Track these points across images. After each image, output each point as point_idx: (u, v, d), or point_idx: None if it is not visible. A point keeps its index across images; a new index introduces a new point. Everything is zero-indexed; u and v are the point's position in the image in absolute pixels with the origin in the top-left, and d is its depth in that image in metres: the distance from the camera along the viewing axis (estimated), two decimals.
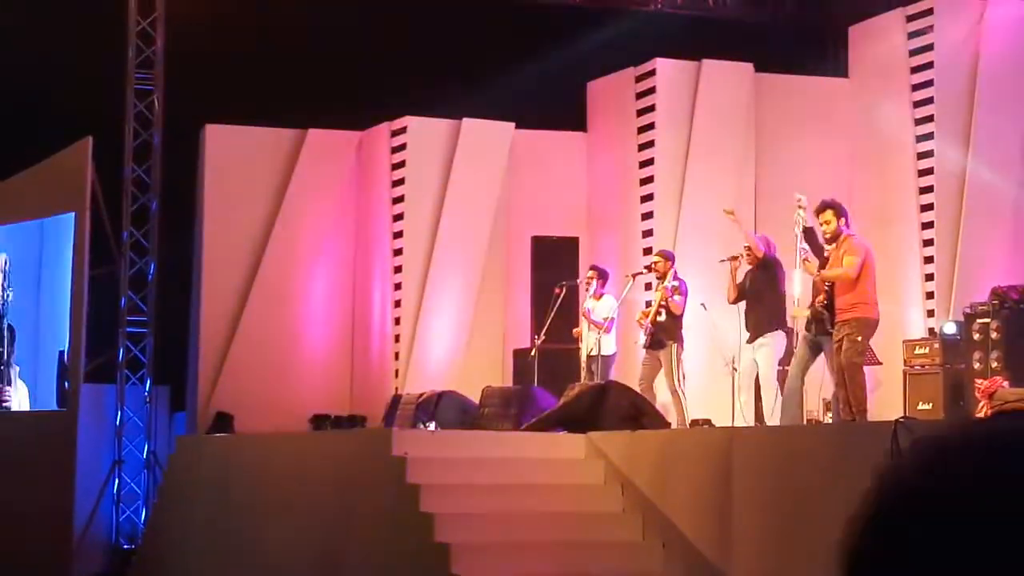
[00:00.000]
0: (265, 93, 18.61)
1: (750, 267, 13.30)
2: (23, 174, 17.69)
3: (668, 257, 14.51)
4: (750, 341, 12.94)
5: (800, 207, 12.50)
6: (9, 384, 17.28)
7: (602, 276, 15.44)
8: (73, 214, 17.19)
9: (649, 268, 14.76)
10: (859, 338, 11.69)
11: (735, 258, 13.30)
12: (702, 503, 9.72)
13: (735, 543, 9.29)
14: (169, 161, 18.01)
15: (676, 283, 14.15)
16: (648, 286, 15.87)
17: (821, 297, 12.04)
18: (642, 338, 14.28)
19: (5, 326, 17.54)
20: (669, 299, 13.98)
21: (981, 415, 11.21)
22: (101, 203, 17.56)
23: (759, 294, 12.95)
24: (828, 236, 12.12)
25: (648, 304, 14.85)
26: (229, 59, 18.20)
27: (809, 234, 12.49)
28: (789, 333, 13.09)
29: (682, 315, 14.15)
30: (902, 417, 8.56)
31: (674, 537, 9.92)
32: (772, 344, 12.83)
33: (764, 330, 12.83)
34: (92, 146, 17.08)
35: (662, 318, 13.99)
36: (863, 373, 11.85)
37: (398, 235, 18.20)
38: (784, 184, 16.88)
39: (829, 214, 12.08)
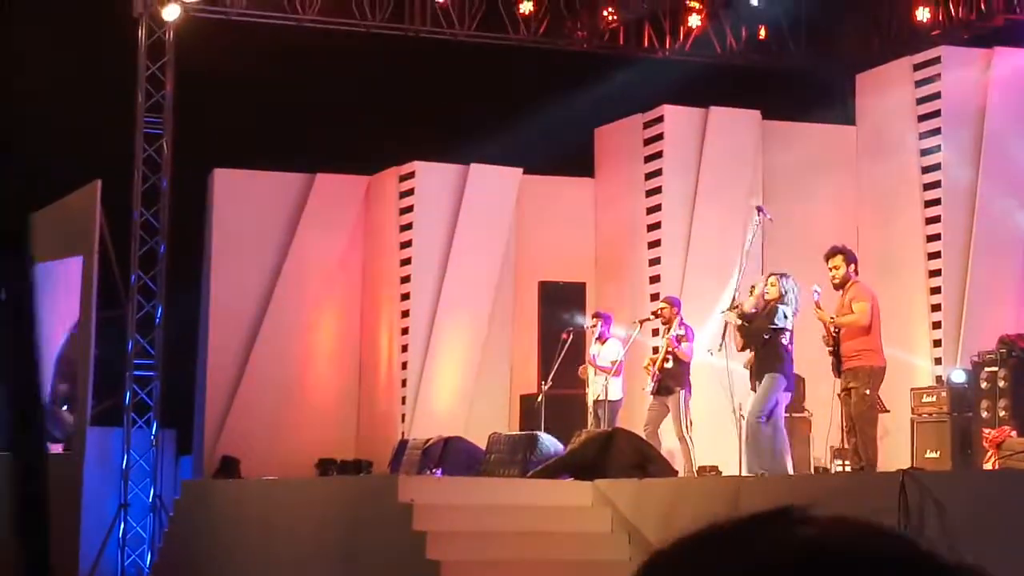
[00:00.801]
0: (274, 138, 18.68)
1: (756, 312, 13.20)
2: (31, 216, 17.70)
3: (674, 303, 14.50)
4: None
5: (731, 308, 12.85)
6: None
7: (606, 321, 15.47)
8: (81, 257, 17.24)
9: (655, 314, 14.75)
10: (867, 391, 11.70)
11: (738, 306, 13.26)
12: None
13: None
14: (177, 205, 18.05)
15: (682, 331, 14.12)
16: (655, 332, 15.86)
17: (827, 338, 12.04)
18: (649, 384, 14.25)
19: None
20: (676, 348, 13.95)
21: (989, 465, 11.19)
22: (109, 246, 17.61)
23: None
24: (837, 282, 12.14)
25: (655, 350, 14.83)
26: (238, 104, 18.28)
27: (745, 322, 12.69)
28: (793, 380, 13.08)
29: (690, 362, 14.12)
30: (909, 468, 8.54)
31: None
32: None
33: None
34: (100, 190, 17.15)
35: (669, 364, 13.97)
36: (874, 427, 11.85)
37: (405, 280, 18.21)
38: (792, 231, 16.94)
39: (839, 259, 12.13)
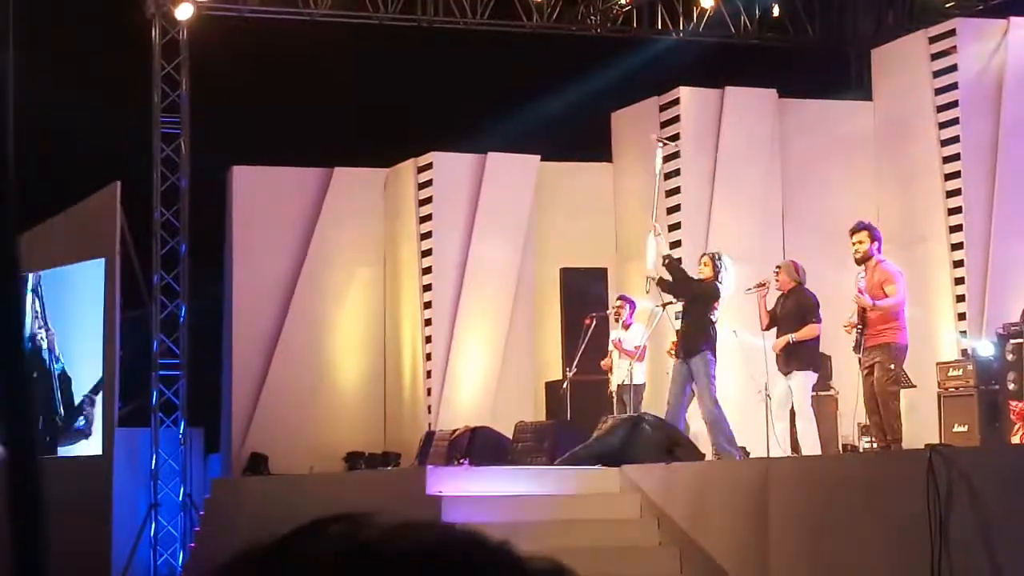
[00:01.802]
0: (290, 134, 18.70)
1: (781, 293, 13.30)
2: (52, 220, 17.79)
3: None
4: (783, 372, 12.92)
5: (656, 234, 13.20)
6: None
7: (630, 306, 15.47)
8: (104, 259, 17.29)
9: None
10: (891, 366, 11.71)
11: (762, 285, 13.30)
12: (739, 534, 9.69)
13: (773, 574, 9.25)
14: (197, 204, 18.09)
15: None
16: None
17: (853, 319, 12.07)
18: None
19: (56, 371, 17.67)
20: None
21: (1017, 438, 11.16)
22: (131, 247, 17.66)
23: (790, 324, 12.91)
24: (858, 257, 12.18)
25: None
26: (254, 101, 18.30)
27: (671, 265, 12.87)
28: (823, 362, 13.18)
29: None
30: (936, 444, 8.52)
31: (712, 570, 9.88)
32: (803, 379, 12.81)
33: (794, 364, 12.80)
34: (120, 191, 17.19)
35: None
36: (897, 400, 11.86)
37: (427, 271, 18.22)
38: (812, 208, 16.91)
39: (864, 235, 12.18)
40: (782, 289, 13.27)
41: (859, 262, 12.20)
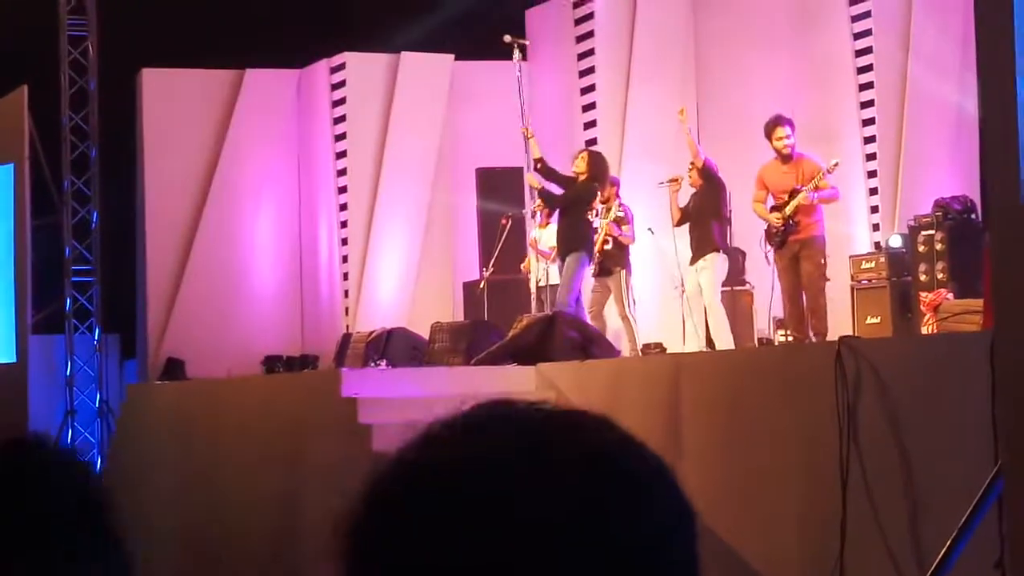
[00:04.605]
0: (201, 35, 18.39)
1: (694, 189, 13.37)
2: None
3: (612, 183, 14.46)
4: (692, 263, 13.04)
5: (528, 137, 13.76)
6: None
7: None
8: (11, 165, 17.03)
9: None
10: (821, 260, 11.92)
11: (675, 180, 13.36)
12: (652, 430, 9.73)
13: (686, 467, 9.32)
14: (106, 107, 17.81)
15: (621, 212, 14.10)
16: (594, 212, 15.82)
17: (779, 215, 12.17)
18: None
19: None
20: (618, 234, 13.92)
21: (927, 329, 11.28)
22: (40, 152, 17.40)
23: (701, 216, 13.01)
24: (787, 153, 12.28)
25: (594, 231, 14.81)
26: (163, 2, 17.97)
27: (543, 168, 12.92)
28: (732, 253, 13.27)
29: (631, 244, 14.14)
30: (845, 336, 8.57)
31: None
32: (712, 266, 12.94)
33: (705, 252, 12.92)
34: (27, 95, 16.90)
35: (609, 246, 13.95)
36: (824, 294, 12.07)
37: (342, 172, 18.08)
38: (727, 102, 16.86)
39: (788, 129, 12.28)
40: (694, 185, 13.33)
41: (786, 159, 12.30)
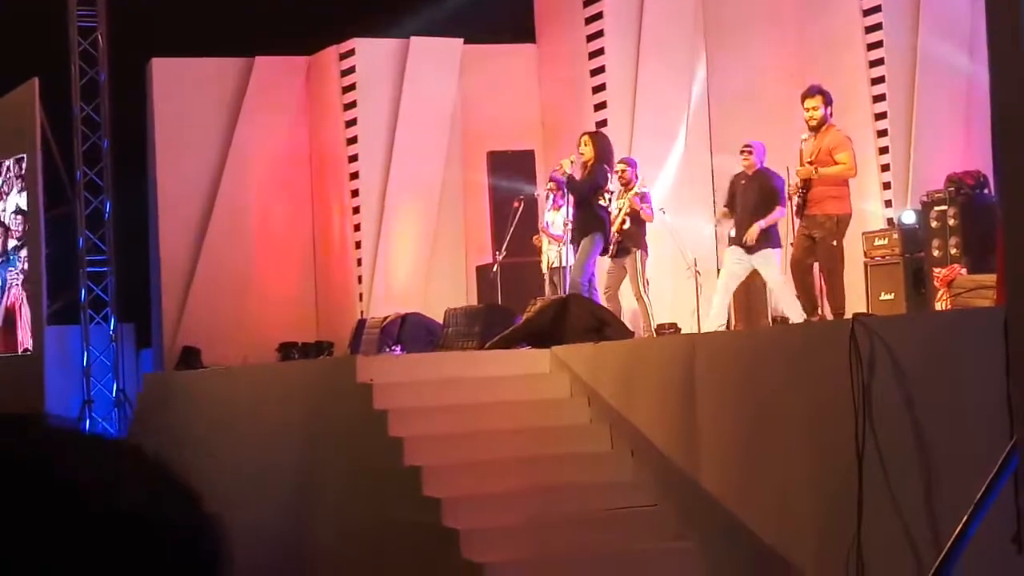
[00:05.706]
0: (210, 24, 18.40)
1: (744, 178, 13.11)
2: None
3: (631, 164, 14.44)
4: (749, 252, 12.69)
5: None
6: None
7: (560, 187, 15.40)
8: (24, 156, 17.08)
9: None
10: (835, 242, 11.82)
11: (726, 214, 13.33)
12: (667, 410, 9.75)
13: (702, 447, 9.34)
14: (117, 97, 17.85)
15: (645, 188, 14.18)
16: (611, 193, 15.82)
17: (796, 185, 12.07)
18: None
19: None
20: (640, 209, 13.91)
21: (941, 304, 11.27)
22: (52, 144, 17.44)
23: (755, 207, 12.75)
24: (813, 124, 12.16)
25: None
26: None
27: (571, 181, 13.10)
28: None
29: (649, 222, 14.14)
30: (859, 313, 8.57)
31: (642, 445, 9.95)
32: (772, 263, 12.74)
33: (763, 246, 12.67)
34: (39, 87, 16.93)
35: (627, 226, 13.95)
36: (842, 275, 12.02)
37: (353, 159, 18.10)
38: (737, 80, 16.82)
39: (819, 100, 12.15)
40: (748, 171, 13.06)
41: (814, 129, 12.19)
